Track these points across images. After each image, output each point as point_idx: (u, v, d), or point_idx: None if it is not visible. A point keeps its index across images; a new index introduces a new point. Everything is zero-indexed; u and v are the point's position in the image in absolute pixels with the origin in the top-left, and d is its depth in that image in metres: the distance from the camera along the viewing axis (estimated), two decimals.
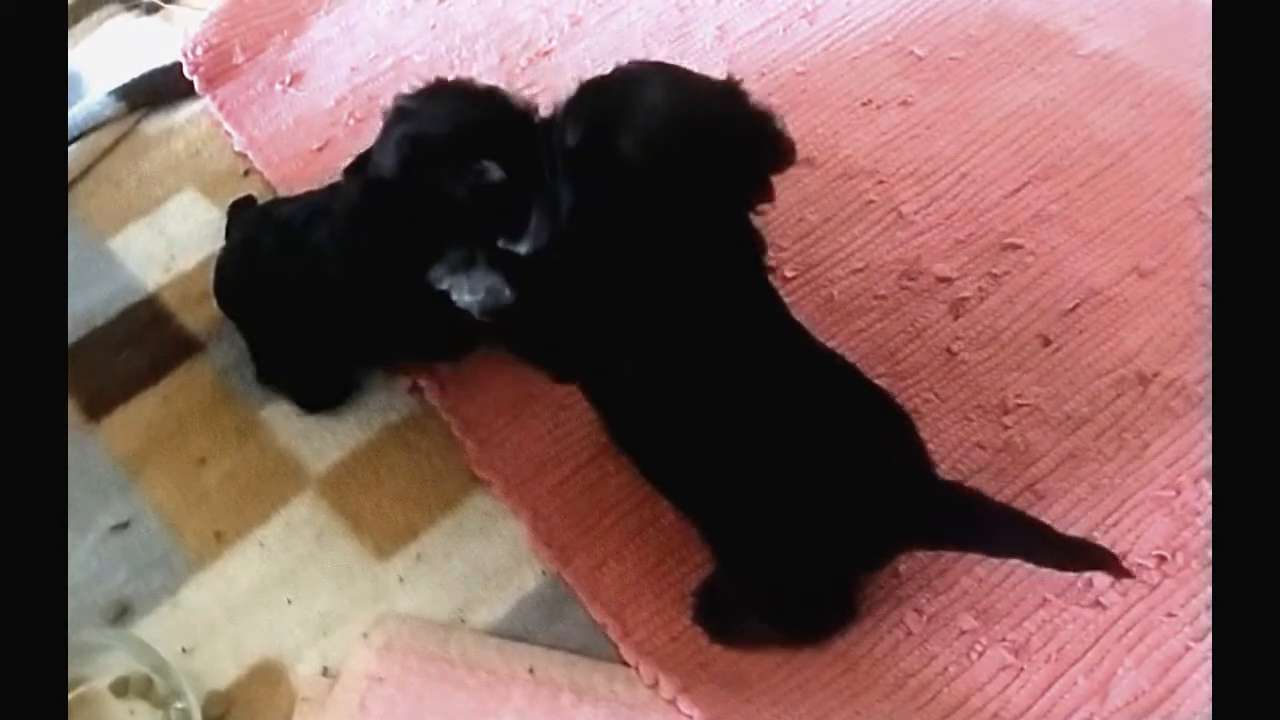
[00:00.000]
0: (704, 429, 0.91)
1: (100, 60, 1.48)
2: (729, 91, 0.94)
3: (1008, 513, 0.95)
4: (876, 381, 1.11)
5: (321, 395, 1.16)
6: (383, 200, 0.99)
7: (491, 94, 1.01)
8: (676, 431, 0.93)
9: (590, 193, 0.90)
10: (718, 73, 1.35)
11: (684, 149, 0.89)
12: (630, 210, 0.89)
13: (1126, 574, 0.92)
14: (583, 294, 0.93)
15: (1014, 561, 1.01)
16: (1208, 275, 1.17)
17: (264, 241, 1.12)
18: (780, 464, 0.90)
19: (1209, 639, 0.94)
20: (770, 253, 1.20)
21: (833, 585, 0.98)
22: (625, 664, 0.98)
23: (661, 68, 0.96)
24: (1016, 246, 1.21)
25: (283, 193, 1.28)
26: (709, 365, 0.91)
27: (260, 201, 1.26)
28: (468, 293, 0.99)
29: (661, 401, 0.93)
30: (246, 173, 1.35)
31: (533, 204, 0.94)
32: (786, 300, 1.15)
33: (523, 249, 0.96)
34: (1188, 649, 0.96)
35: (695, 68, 1.35)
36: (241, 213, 1.24)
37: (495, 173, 0.95)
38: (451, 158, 0.96)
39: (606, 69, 1.36)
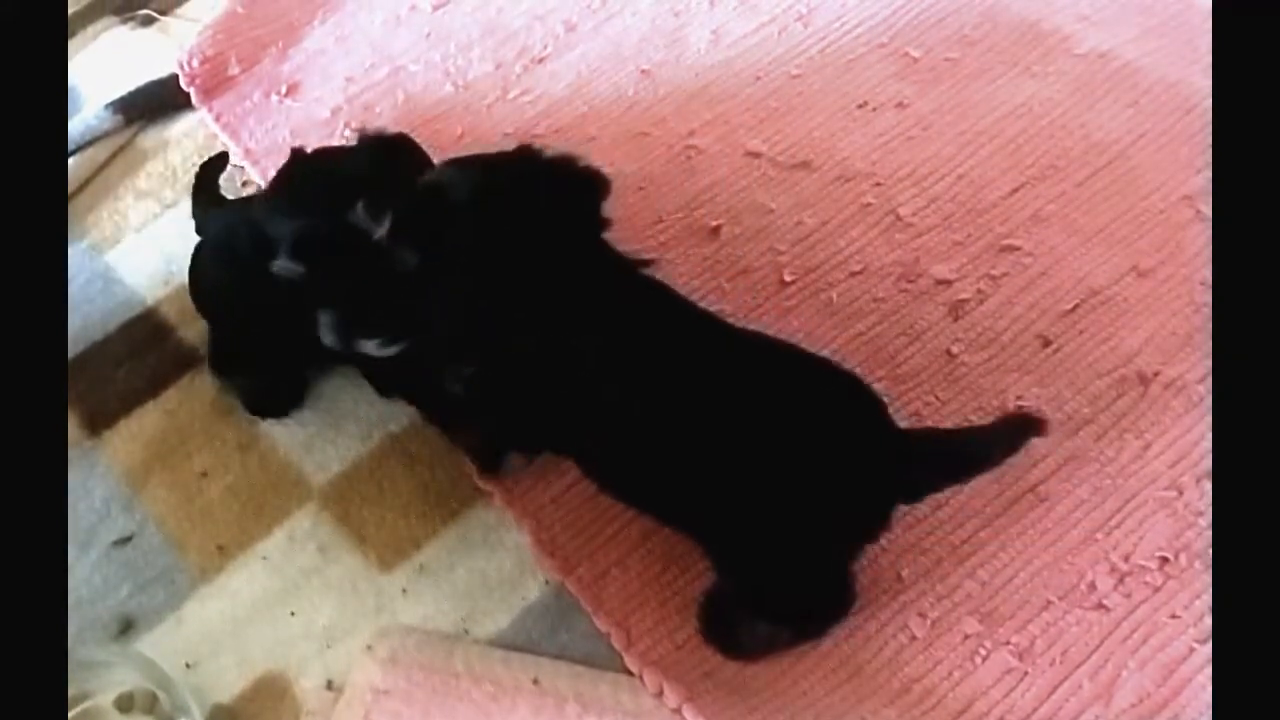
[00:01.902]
0: (667, 442, 0.91)
1: (96, 73, 1.48)
2: (523, 158, 0.94)
3: (958, 435, 0.98)
4: (876, 385, 1.11)
5: (270, 400, 1.17)
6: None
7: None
8: (644, 454, 0.93)
9: (447, 304, 0.91)
10: (715, 77, 1.38)
11: (502, 229, 0.90)
12: (492, 299, 0.90)
13: (1044, 429, 0.92)
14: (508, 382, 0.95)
15: (1017, 564, 1.01)
16: (1206, 274, 1.17)
17: (237, 241, 1.12)
18: (747, 453, 0.89)
19: None
20: (768, 256, 1.22)
21: (830, 566, 0.97)
22: (630, 673, 0.98)
23: (458, 166, 0.95)
24: (1015, 248, 1.21)
25: None
26: (646, 390, 0.91)
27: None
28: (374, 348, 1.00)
29: (626, 436, 0.93)
30: (244, 184, 1.35)
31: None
32: (785, 305, 1.17)
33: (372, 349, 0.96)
34: (1192, 650, 0.95)
35: (691, 72, 1.38)
36: (210, 194, 1.23)
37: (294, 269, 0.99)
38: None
39: (602, 75, 1.39)
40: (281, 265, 0.99)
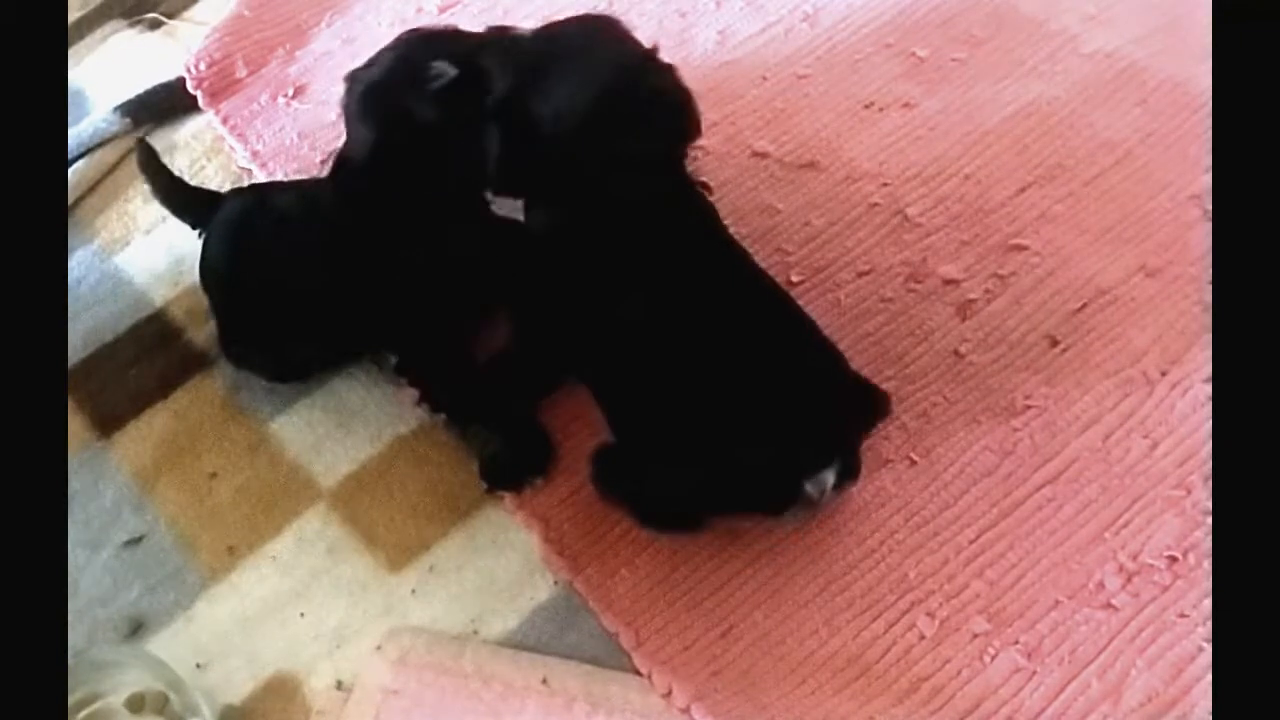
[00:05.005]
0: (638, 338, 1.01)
1: (104, 77, 1.49)
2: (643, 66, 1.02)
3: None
4: (885, 386, 1.12)
5: (293, 367, 1.18)
6: (367, 176, 1.04)
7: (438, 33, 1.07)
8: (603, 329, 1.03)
9: (511, 145, 0.99)
10: (722, 78, 1.38)
11: (589, 123, 0.98)
12: (545, 165, 0.99)
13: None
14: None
15: (1025, 564, 1.01)
16: None
17: (259, 228, 1.13)
18: (700, 383, 0.98)
19: None
20: (776, 257, 1.22)
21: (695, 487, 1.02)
22: (639, 673, 0.98)
23: (596, 38, 1.04)
24: (1022, 247, 1.21)
25: None
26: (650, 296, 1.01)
27: None
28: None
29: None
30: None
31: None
32: None
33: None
34: (1200, 649, 0.95)
35: (697, 74, 1.38)
36: (166, 179, 1.23)
37: (450, 71, 0.98)
38: (404, 78, 1.01)
39: None
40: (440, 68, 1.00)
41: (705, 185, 1.08)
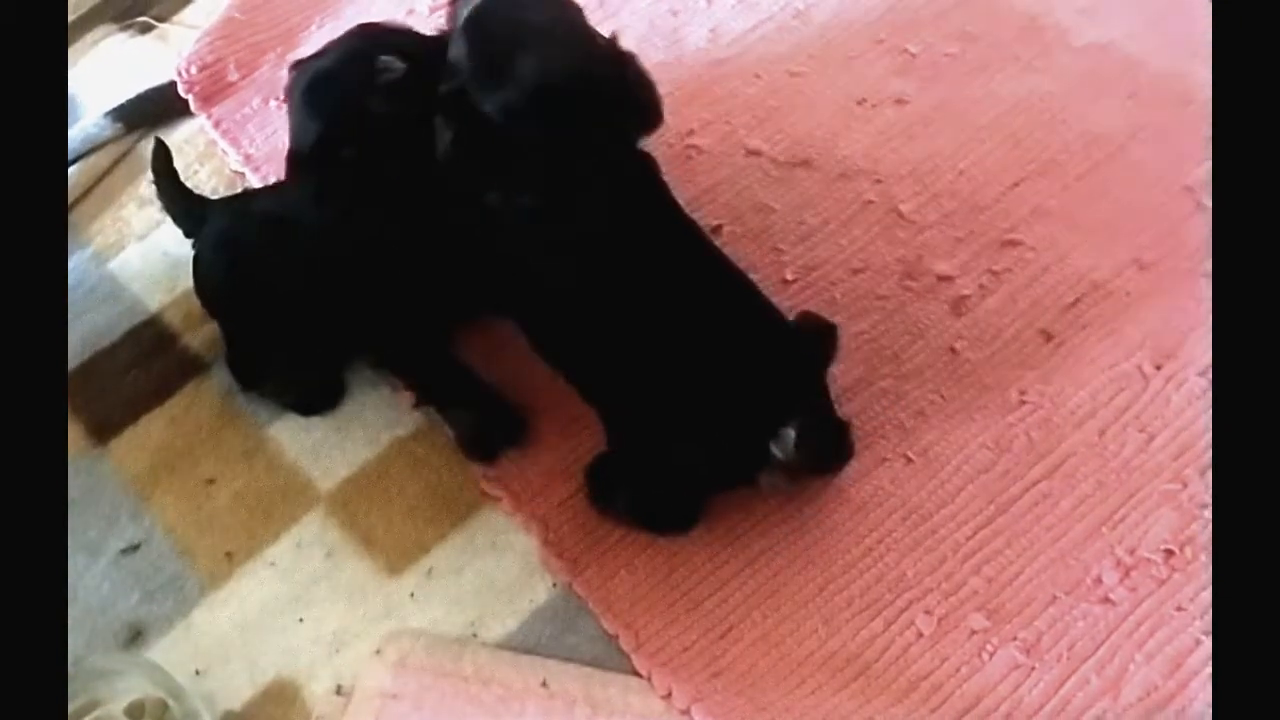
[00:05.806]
0: (605, 323, 1.01)
1: (95, 81, 1.48)
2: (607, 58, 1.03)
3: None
4: (881, 384, 1.12)
5: (313, 395, 1.17)
6: (317, 165, 1.05)
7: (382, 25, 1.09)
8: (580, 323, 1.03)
9: (464, 139, 0.98)
10: (715, 76, 1.38)
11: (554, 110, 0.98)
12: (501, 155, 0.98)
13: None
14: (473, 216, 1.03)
15: (1022, 560, 1.01)
16: (1208, 266, 1.17)
17: (247, 235, 1.13)
18: (664, 357, 0.99)
19: None
20: (771, 256, 1.22)
21: (694, 486, 1.04)
22: (638, 675, 0.98)
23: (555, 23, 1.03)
24: (1016, 242, 1.21)
25: None
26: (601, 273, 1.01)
27: None
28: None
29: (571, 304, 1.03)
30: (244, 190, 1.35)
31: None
32: (788, 304, 1.17)
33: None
34: (1198, 643, 0.96)
35: (689, 72, 1.38)
36: (175, 186, 1.20)
37: (398, 65, 0.98)
38: (350, 73, 1.01)
39: None
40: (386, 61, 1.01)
41: (647, 155, 1.07)
